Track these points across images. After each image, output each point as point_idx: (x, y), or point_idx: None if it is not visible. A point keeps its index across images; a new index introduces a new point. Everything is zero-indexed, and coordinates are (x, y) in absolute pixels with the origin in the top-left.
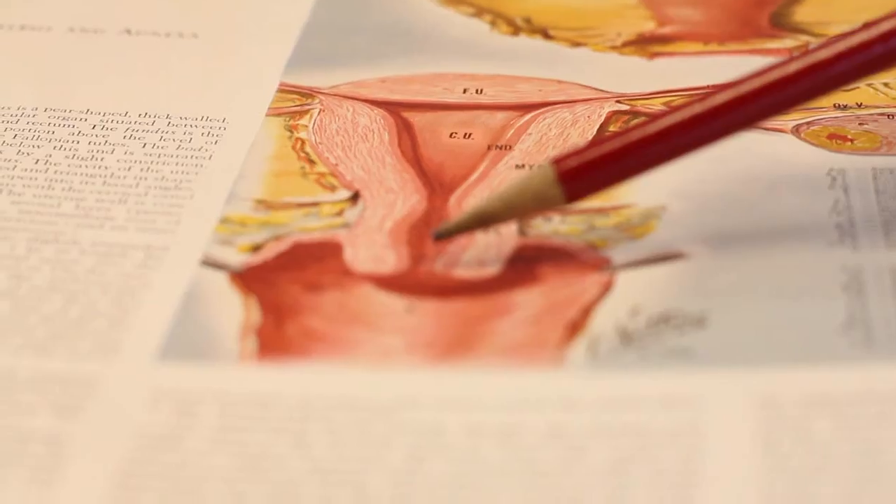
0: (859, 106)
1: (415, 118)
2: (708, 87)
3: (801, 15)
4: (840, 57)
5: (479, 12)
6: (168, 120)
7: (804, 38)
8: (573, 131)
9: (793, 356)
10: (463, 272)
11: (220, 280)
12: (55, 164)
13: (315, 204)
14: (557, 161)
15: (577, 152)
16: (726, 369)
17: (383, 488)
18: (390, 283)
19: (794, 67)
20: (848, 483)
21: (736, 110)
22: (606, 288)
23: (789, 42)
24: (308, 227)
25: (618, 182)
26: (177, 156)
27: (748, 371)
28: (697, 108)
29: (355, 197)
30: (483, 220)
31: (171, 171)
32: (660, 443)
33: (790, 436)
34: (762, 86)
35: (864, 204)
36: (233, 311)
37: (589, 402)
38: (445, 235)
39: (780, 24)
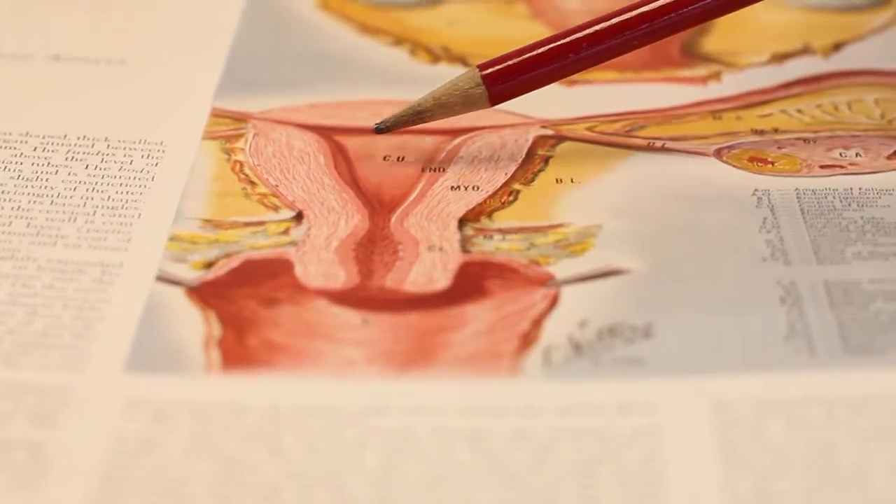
0: (776, 131)
1: (348, 142)
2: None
3: (710, 45)
4: None
5: (398, 41)
6: (107, 143)
7: (715, 67)
8: (503, 153)
9: (741, 364)
10: (412, 287)
11: (178, 295)
12: (1, 185)
13: (261, 223)
14: (483, 66)
15: (501, 59)
16: (678, 377)
17: (362, 490)
18: (343, 297)
19: None
20: (805, 480)
21: (640, 26)
22: (553, 302)
23: (701, 70)
24: (257, 245)
25: (535, 86)
26: (120, 177)
27: (700, 378)
28: (605, 24)
29: (299, 216)
30: (417, 114)
31: (117, 192)
32: (622, 445)
33: (746, 437)
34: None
35: (791, 222)
36: (193, 324)
37: (549, 408)
38: (385, 129)
39: (691, 53)
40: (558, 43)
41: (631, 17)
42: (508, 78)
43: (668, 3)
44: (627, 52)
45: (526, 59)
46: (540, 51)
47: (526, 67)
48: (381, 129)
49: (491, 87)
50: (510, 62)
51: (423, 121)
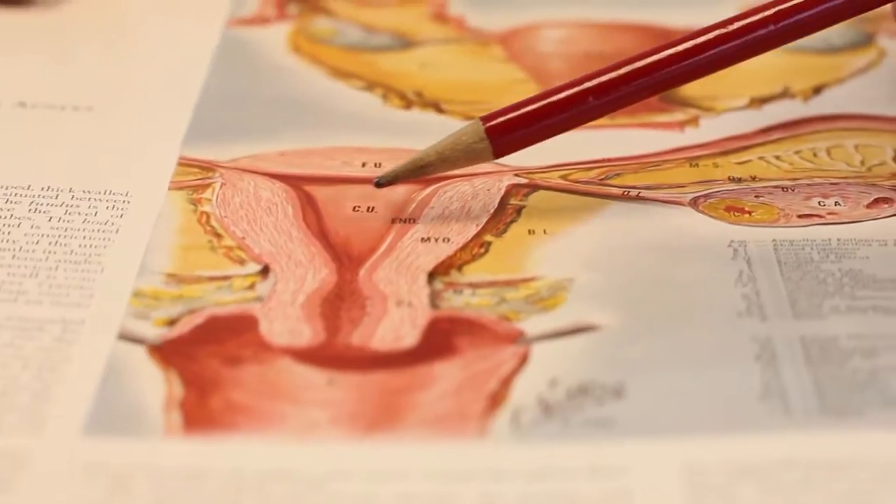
0: (753, 179)
1: (317, 192)
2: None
3: (688, 89)
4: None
5: (369, 86)
6: (72, 194)
7: (692, 112)
8: (474, 204)
9: (713, 425)
10: (379, 345)
11: (139, 354)
12: None
13: (226, 277)
14: (486, 118)
15: (504, 111)
16: (649, 439)
17: None
18: (308, 356)
19: (700, 40)
20: None
21: (650, 75)
22: (523, 360)
23: (679, 115)
24: (222, 301)
25: (541, 139)
26: (84, 229)
27: (671, 440)
28: (613, 74)
29: (265, 270)
30: (420, 168)
31: (80, 245)
32: None
33: (719, 502)
34: (676, 53)
35: (768, 274)
36: (154, 384)
37: (517, 472)
38: (385, 183)
39: (668, 97)
40: (564, 94)
41: (641, 67)
42: (512, 131)
43: (679, 52)
44: (636, 103)
45: (530, 112)
46: (544, 102)
47: (530, 120)
48: (381, 184)
49: (495, 140)
50: (514, 114)
51: (425, 174)
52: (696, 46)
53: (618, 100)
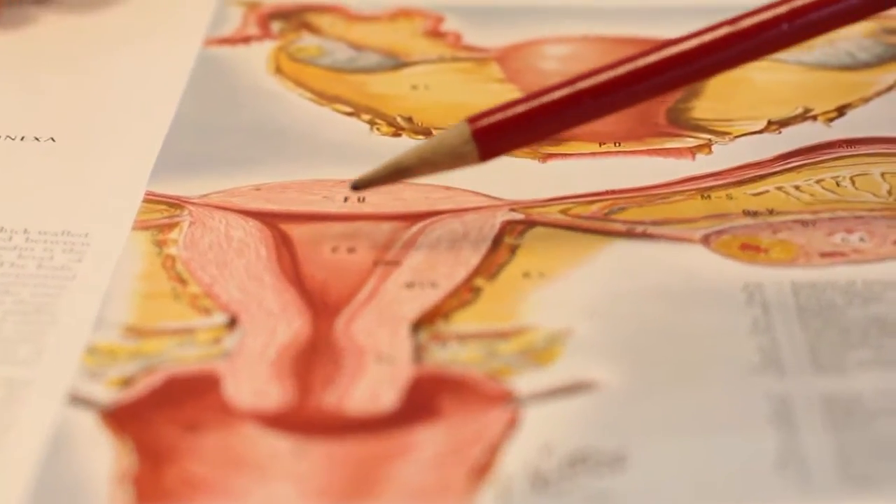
0: (771, 212)
1: (293, 231)
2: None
3: (700, 111)
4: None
5: (356, 111)
6: (26, 235)
7: (705, 136)
8: (465, 244)
9: (724, 499)
10: (355, 406)
11: (90, 420)
12: None
13: (189, 330)
14: (472, 119)
15: (492, 112)
16: None
17: None
18: (276, 421)
19: (707, 38)
20: None
21: (647, 79)
22: (513, 424)
23: (690, 141)
24: (183, 358)
25: (530, 142)
26: (37, 276)
27: None
28: (605, 76)
29: (233, 321)
30: (399, 172)
31: (32, 294)
32: None
33: None
34: (680, 53)
35: (786, 322)
36: (105, 455)
37: None
38: (362, 186)
39: (678, 121)
40: (558, 95)
41: (642, 67)
42: (501, 133)
43: (683, 51)
44: (632, 106)
45: (520, 113)
46: (536, 103)
47: (520, 122)
48: (357, 187)
49: (481, 143)
50: (502, 115)
51: (405, 178)
52: (701, 46)
53: (616, 102)
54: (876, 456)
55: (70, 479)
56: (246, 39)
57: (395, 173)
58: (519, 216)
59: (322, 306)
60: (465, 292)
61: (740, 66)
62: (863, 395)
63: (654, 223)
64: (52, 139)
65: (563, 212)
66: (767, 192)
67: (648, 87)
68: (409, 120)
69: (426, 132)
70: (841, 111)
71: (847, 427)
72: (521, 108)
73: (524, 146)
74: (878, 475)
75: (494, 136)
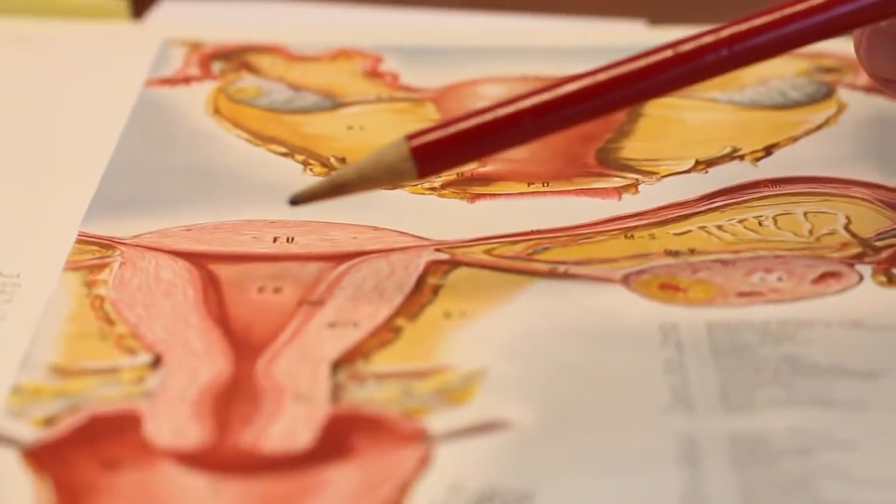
0: (692, 252)
1: (221, 271)
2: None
3: (629, 151)
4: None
5: (291, 152)
6: None
7: (633, 177)
8: (389, 284)
9: None
10: (271, 445)
11: (12, 458)
12: None
13: (114, 370)
14: (411, 137)
15: (431, 130)
16: None
17: None
18: (193, 459)
19: (646, 62)
20: None
21: (588, 100)
22: (424, 462)
23: (618, 181)
24: (106, 397)
25: (467, 161)
26: None
27: None
28: (546, 96)
29: (157, 361)
30: (337, 187)
31: None
32: None
33: None
34: (613, 77)
35: (699, 362)
36: (24, 494)
37: None
38: (300, 202)
39: (607, 161)
40: (497, 114)
41: (581, 88)
42: (439, 151)
43: (622, 75)
44: (571, 127)
45: (459, 132)
46: (475, 122)
47: (458, 140)
48: (295, 202)
49: (419, 160)
50: (441, 133)
51: (344, 194)
52: (643, 68)
53: (554, 122)
54: (778, 494)
55: None
56: (187, 80)
57: (334, 189)
58: (444, 256)
59: (245, 346)
60: (386, 332)
61: (681, 89)
62: (770, 433)
63: (577, 263)
64: None
65: (488, 252)
66: (690, 231)
67: (589, 107)
68: (343, 160)
69: None
70: (769, 150)
71: (752, 466)
72: (459, 127)
73: (462, 164)
74: None
75: (432, 153)
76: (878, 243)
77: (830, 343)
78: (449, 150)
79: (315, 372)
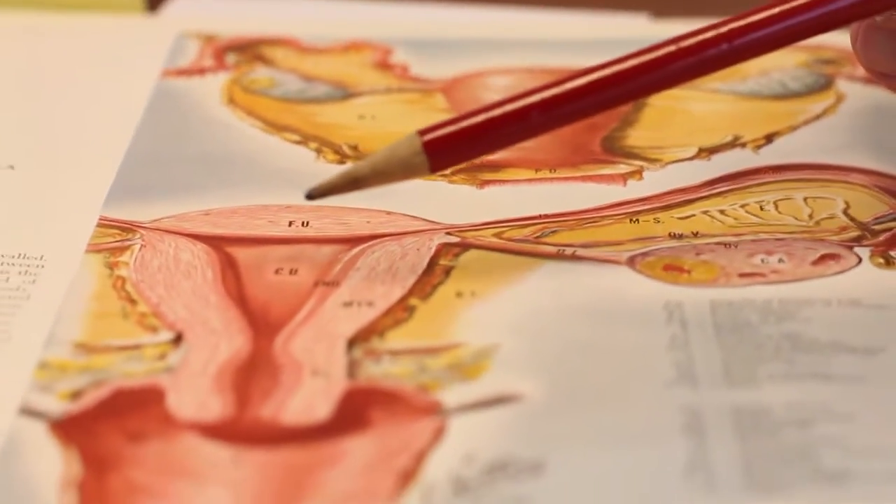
0: (695, 235)
1: (239, 254)
2: (569, 74)
3: (634, 139)
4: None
5: (304, 140)
6: None
7: (637, 163)
8: (402, 265)
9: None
10: (290, 418)
11: (40, 430)
12: None
13: (136, 347)
14: (423, 132)
15: (442, 125)
16: None
17: None
18: (215, 431)
19: (649, 57)
20: None
21: (593, 94)
22: (439, 434)
23: (623, 168)
24: (130, 372)
25: (478, 155)
26: None
27: None
28: (554, 91)
29: (178, 339)
30: (352, 182)
31: None
32: None
33: None
34: (617, 72)
35: (703, 339)
36: (52, 464)
37: None
38: (317, 195)
39: (612, 148)
40: (506, 109)
41: (587, 83)
42: (450, 145)
43: (626, 69)
44: (578, 120)
45: (470, 126)
46: (485, 117)
47: (469, 134)
48: (312, 196)
49: (431, 155)
50: (452, 128)
51: (359, 188)
52: (644, 64)
53: (562, 117)
54: (780, 463)
55: (20, 486)
56: (201, 71)
57: (350, 183)
58: (455, 239)
59: (263, 325)
60: (401, 311)
61: (684, 83)
62: (771, 406)
63: (584, 246)
64: (12, 167)
65: (497, 235)
66: (693, 215)
67: (595, 101)
68: (355, 148)
69: None
70: (769, 139)
71: (754, 436)
72: (470, 121)
73: (473, 158)
74: (781, 481)
75: (444, 148)
76: (876, 227)
77: (830, 321)
78: (460, 145)
79: (332, 349)
